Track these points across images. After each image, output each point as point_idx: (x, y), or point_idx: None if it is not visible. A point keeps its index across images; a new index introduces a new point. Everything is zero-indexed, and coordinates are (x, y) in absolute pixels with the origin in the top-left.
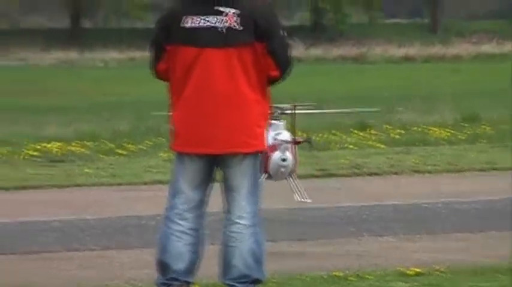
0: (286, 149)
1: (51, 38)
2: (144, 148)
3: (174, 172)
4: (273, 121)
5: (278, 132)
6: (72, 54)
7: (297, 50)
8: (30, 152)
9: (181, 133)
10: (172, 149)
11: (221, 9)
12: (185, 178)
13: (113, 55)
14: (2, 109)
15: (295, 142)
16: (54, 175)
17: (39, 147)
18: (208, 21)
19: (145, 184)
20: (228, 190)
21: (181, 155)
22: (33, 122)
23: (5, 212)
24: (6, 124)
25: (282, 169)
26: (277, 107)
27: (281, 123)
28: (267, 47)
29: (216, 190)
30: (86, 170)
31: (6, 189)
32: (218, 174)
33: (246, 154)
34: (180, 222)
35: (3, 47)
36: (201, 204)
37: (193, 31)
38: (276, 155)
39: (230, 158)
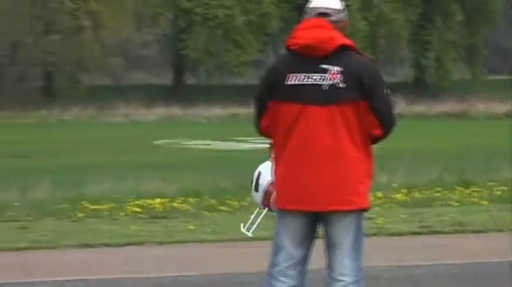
0: None
1: (154, 94)
2: (247, 204)
3: (276, 228)
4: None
5: None
6: (175, 111)
7: (399, 106)
8: (133, 209)
9: (282, 190)
10: (274, 205)
11: (325, 66)
12: (287, 235)
13: (215, 111)
14: (106, 166)
15: None
16: (156, 231)
17: (142, 203)
18: (311, 78)
19: (247, 240)
20: (330, 246)
21: (283, 211)
22: (137, 179)
23: (107, 269)
24: (111, 181)
25: None
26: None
27: None
28: (370, 105)
29: (318, 246)
30: (189, 227)
31: (110, 245)
32: (321, 230)
33: (347, 212)
34: (283, 279)
35: (107, 103)
36: (303, 261)
37: (297, 88)
38: None
39: (332, 215)
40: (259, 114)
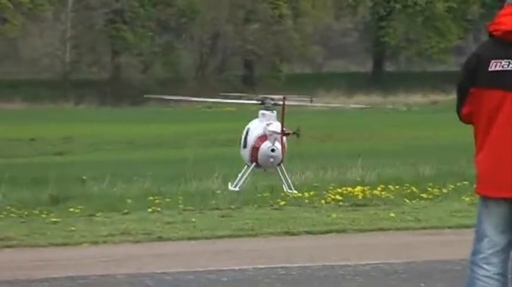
0: (276, 139)
1: (354, 82)
2: (447, 192)
3: (479, 215)
4: (264, 111)
5: (269, 123)
6: (375, 98)
7: None
8: (334, 197)
9: (485, 177)
10: (477, 192)
11: None
12: (490, 222)
13: (415, 99)
14: (306, 154)
15: (284, 133)
16: (357, 219)
17: (343, 191)
18: None
19: (449, 228)
20: None
21: (485, 198)
22: (338, 166)
23: (309, 257)
24: (312, 169)
25: (271, 159)
26: (269, 98)
27: (273, 114)
28: None
29: None
30: (390, 214)
31: (311, 233)
32: None
33: None
34: (486, 267)
35: (308, 92)
36: (507, 248)
37: (500, 74)
38: (266, 145)
39: None
40: (461, 101)
